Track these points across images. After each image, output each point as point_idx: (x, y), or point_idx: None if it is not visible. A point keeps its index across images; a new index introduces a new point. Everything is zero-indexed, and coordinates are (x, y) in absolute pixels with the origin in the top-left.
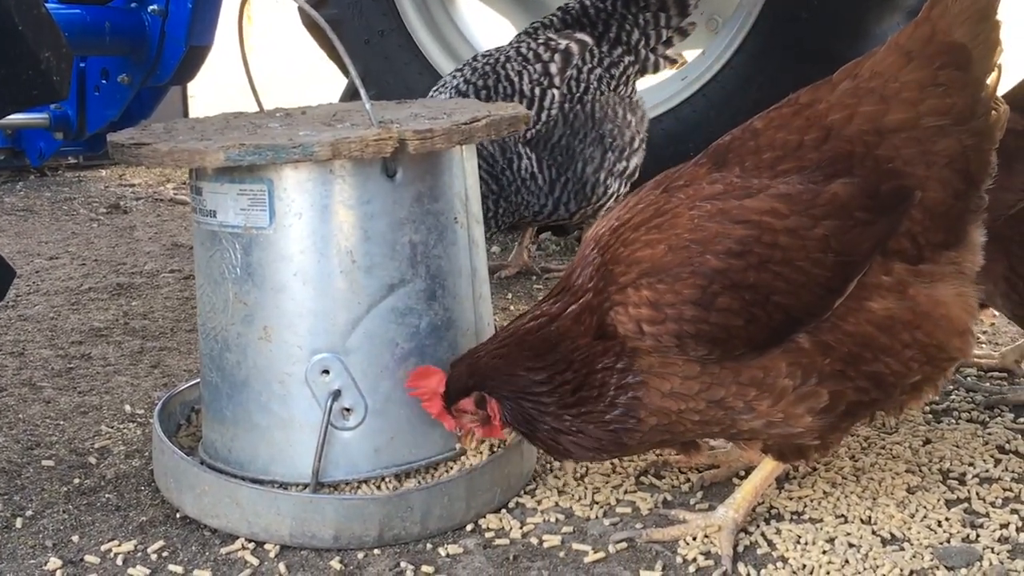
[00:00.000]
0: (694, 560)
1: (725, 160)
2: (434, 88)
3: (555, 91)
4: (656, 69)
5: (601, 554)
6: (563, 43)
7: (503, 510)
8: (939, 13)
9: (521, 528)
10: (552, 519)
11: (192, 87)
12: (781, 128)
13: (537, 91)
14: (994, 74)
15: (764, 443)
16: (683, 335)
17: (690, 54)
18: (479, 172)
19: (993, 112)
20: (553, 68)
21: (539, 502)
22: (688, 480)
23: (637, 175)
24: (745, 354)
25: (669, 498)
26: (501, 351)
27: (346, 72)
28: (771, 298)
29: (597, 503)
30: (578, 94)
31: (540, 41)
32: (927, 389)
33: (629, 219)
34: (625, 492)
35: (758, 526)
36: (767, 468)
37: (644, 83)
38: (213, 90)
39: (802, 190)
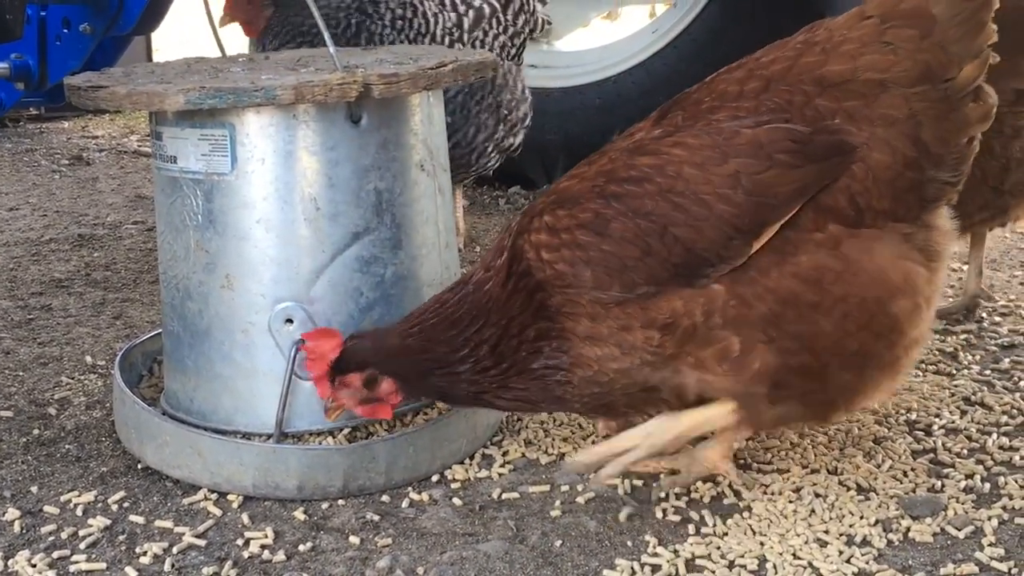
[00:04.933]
0: (663, 512)
1: (668, 111)
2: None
3: (461, 46)
4: (541, 29)
5: (568, 505)
6: (478, 1)
7: (469, 461)
8: None
9: (487, 479)
10: (519, 470)
11: (157, 40)
12: (724, 80)
13: (447, 40)
14: (979, 57)
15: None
16: (576, 261)
17: (660, 7)
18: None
19: (972, 92)
20: (466, 23)
21: (505, 453)
22: None
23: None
24: (648, 293)
25: None
26: (413, 330)
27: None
28: (669, 229)
29: (564, 454)
30: None
31: None
32: (876, 372)
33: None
34: (592, 443)
35: (724, 476)
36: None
37: (615, 35)
38: (178, 43)
39: (722, 129)
